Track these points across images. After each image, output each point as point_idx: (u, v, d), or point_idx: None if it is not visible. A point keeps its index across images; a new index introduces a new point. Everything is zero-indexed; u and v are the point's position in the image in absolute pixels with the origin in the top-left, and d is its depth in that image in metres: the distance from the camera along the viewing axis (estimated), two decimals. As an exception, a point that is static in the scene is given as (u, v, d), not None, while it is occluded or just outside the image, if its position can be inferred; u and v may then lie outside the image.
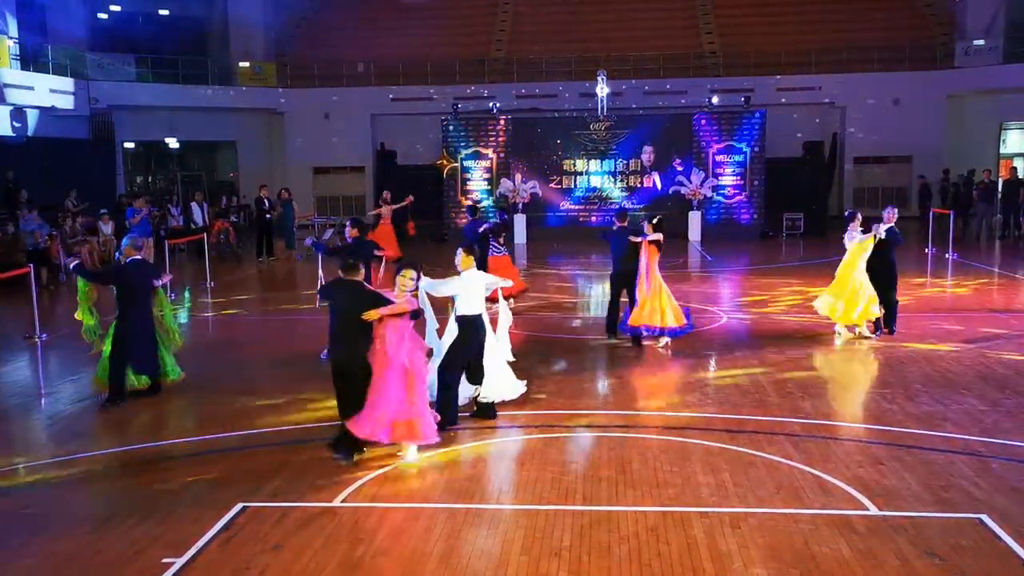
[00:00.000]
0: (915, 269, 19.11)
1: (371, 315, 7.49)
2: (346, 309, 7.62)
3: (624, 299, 12.49)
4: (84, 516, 6.93)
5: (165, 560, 5.88)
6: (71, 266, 9.94)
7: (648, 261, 11.73)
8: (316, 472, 7.56)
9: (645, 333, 12.04)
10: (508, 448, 8.21)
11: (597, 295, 16.68)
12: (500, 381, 9.30)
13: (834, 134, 32.00)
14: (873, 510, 6.56)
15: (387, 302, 7.61)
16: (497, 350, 9.43)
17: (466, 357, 8.78)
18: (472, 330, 8.77)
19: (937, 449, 7.89)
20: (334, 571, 5.75)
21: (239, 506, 6.80)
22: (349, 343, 7.67)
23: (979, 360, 11.12)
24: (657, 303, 11.70)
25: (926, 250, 21.36)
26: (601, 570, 5.69)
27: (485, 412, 8.95)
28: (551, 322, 14.41)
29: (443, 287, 8.85)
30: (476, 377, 8.94)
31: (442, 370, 8.63)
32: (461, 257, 8.87)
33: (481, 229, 16.11)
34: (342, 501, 6.89)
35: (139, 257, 9.96)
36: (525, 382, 9.70)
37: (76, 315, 10.04)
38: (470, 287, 8.80)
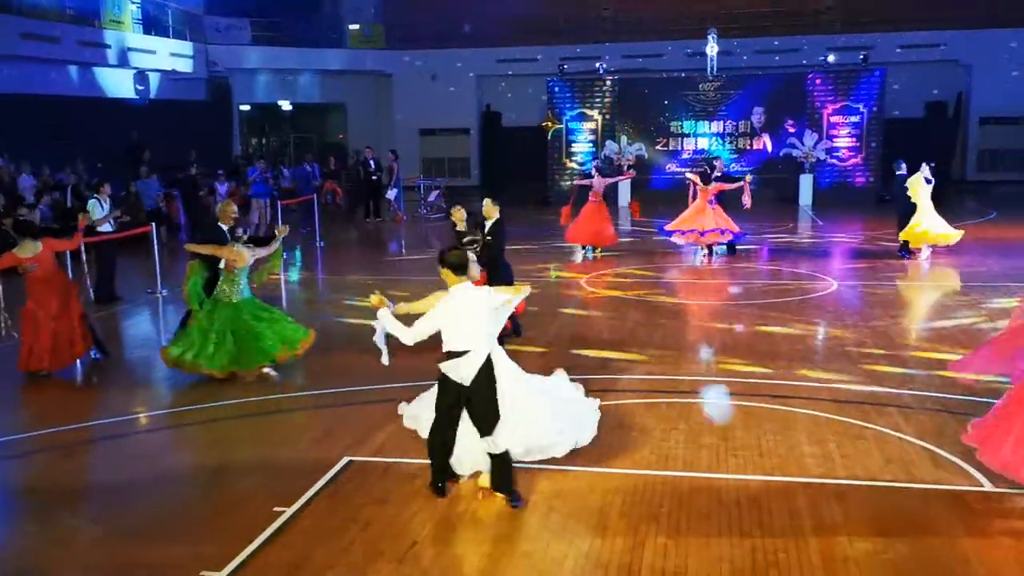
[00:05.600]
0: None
1: None
2: None
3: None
4: (200, 465, 7.28)
5: (276, 509, 6.11)
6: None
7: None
8: (419, 429, 7.71)
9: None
10: (609, 412, 8.16)
11: (700, 258, 16.43)
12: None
13: (959, 94, 30.42)
14: (988, 487, 6.30)
15: None
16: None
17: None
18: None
19: (1061, 426, 7.50)
20: (435, 526, 5.88)
21: (345, 459, 7.01)
22: None
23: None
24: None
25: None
26: (699, 536, 5.66)
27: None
28: (652, 285, 14.27)
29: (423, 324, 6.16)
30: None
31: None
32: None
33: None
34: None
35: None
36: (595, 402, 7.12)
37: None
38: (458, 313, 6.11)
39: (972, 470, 6.55)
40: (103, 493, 6.69)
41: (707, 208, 16.38)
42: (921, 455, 6.91)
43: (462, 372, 6.03)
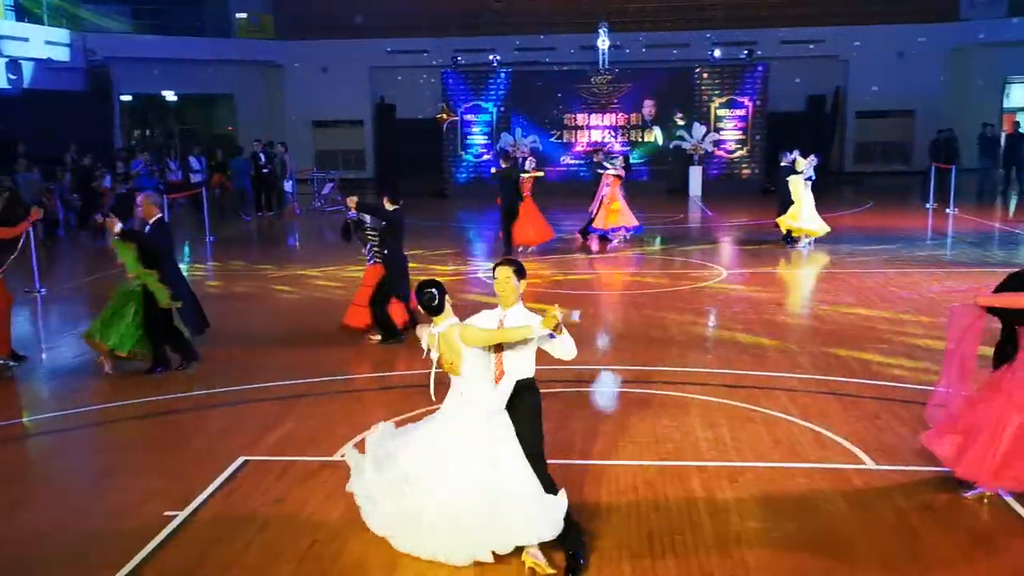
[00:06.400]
0: (919, 225, 19.09)
1: None
2: None
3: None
4: (87, 469, 7.00)
5: (167, 513, 5.93)
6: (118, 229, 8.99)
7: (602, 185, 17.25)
8: (316, 426, 7.61)
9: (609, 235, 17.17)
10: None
11: (597, 250, 16.70)
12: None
13: (837, 88, 31.68)
14: (870, 464, 6.61)
15: None
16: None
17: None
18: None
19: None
20: (335, 524, 5.80)
21: (241, 459, 6.86)
22: None
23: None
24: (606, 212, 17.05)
25: (926, 205, 21.37)
26: (598, 523, 5.74)
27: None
28: (550, 276, 14.41)
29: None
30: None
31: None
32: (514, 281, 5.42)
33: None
34: (343, 455, 6.91)
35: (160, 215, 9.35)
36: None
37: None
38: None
39: (855, 449, 6.87)
40: (-20, 503, 6.36)
41: (621, 199, 17.13)
42: (807, 435, 7.19)
43: None
